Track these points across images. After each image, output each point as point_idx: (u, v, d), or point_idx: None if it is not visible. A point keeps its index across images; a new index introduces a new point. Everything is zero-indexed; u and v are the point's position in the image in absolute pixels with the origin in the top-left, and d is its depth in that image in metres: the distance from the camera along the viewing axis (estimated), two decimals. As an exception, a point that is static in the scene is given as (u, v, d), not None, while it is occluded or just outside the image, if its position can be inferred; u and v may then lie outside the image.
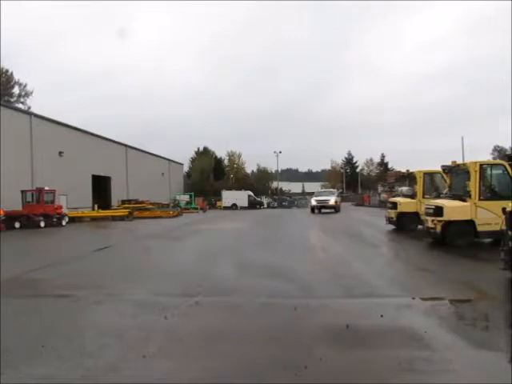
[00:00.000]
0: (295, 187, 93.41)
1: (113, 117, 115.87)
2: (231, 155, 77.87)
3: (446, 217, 10.43)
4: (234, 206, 50.13)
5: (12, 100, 48.83)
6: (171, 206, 43.87)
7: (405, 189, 16.37)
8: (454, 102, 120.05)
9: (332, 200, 31.28)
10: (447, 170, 11.97)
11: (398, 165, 66.78)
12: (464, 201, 10.58)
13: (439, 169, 12.87)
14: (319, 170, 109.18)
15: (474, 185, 10.38)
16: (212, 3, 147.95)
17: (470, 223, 10.35)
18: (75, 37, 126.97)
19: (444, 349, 3.83)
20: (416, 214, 14.41)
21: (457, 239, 10.36)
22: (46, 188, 24.94)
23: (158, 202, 41.67)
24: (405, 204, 15.13)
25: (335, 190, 39.58)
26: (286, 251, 10.80)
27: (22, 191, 24.72)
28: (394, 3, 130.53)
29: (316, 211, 31.02)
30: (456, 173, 11.66)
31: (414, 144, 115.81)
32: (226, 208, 49.98)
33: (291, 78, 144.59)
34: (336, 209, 30.90)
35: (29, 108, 45.53)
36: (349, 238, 13.53)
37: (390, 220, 15.77)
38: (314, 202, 31.87)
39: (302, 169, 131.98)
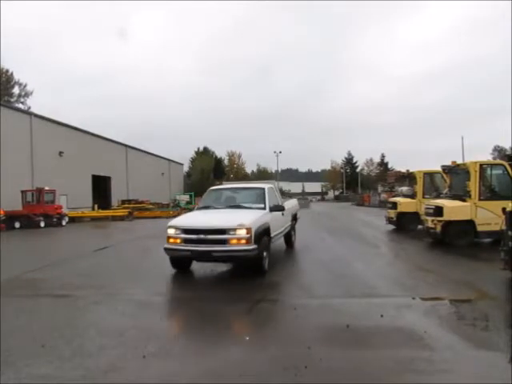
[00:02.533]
0: (295, 187, 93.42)
1: (113, 117, 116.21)
2: (231, 155, 78.02)
3: (446, 217, 10.43)
4: (233, 206, 49.74)
5: (12, 100, 48.86)
6: (171, 206, 43.84)
7: (405, 189, 16.36)
8: (454, 102, 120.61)
9: (242, 230, 6.82)
10: (447, 169, 11.97)
11: (397, 165, 67.01)
12: (464, 201, 10.59)
13: (439, 169, 12.87)
14: (319, 170, 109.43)
15: (474, 185, 10.38)
16: (212, 3, 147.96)
17: (470, 223, 10.36)
18: (75, 37, 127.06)
19: (444, 349, 3.84)
20: (416, 214, 14.42)
21: (457, 239, 10.37)
22: (46, 188, 24.97)
23: (158, 202, 41.66)
24: (405, 204, 15.12)
25: (268, 186, 9.05)
26: (285, 250, 10.78)
27: (22, 191, 24.75)
28: (394, 3, 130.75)
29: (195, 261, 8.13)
30: (456, 173, 11.65)
31: (414, 144, 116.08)
32: (225, 208, 49.71)
33: (291, 78, 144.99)
34: (257, 257, 7.02)
35: (29, 108, 45.63)
36: (349, 238, 13.51)
37: (390, 220, 15.77)
38: (172, 236, 7.33)
39: (302, 169, 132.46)
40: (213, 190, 9.85)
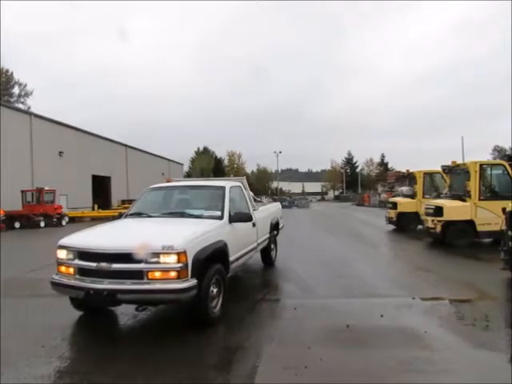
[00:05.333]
0: (295, 187, 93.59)
1: (113, 117, 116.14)
2: (231, 155, 78.00)
3: (446, 217, 10.44)
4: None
5: (12, 100, 48.88)
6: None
7: (405, 189, 16.36)
8: (454, 102, 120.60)
9: (169, 257, 4.19)
10: (447, 170, 11.97)
11: (397, 165, 67.02)
12: (464, 201, 10.59)
13: (439, 169, 12.88)
14: (319, 170, 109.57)
15: (473, 185, 10.38)
16: (212, 3, 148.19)
17: (470, 223, 10.36)
18: (75, 37, 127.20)
19: (444, 349, 3.84)
20: (416, 214, 14.43)
21: (457, 239, 10.36)
22: (46, 188, 24.99)
23: (158, 202, 41.56)
24: (405, 204, 15.13)
25: (231, 185, 6.48)
26: (285, 250, 10.78)
27: (22, 191, 24.77)
28: (395, 4, 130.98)
29: None
30: (456, 173, 11.66)
31: (414, 144, 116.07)
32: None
33: (292, 78, 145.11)
34: (196, 301, 4.37)
35: (29, 108, 45.61)
36: (349, 238, 13.51)
37: (390, 220, 15.77)
38: (63, 263, 4.74)
39: (302, 169, 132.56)
40: (153, 188, 7.00)
